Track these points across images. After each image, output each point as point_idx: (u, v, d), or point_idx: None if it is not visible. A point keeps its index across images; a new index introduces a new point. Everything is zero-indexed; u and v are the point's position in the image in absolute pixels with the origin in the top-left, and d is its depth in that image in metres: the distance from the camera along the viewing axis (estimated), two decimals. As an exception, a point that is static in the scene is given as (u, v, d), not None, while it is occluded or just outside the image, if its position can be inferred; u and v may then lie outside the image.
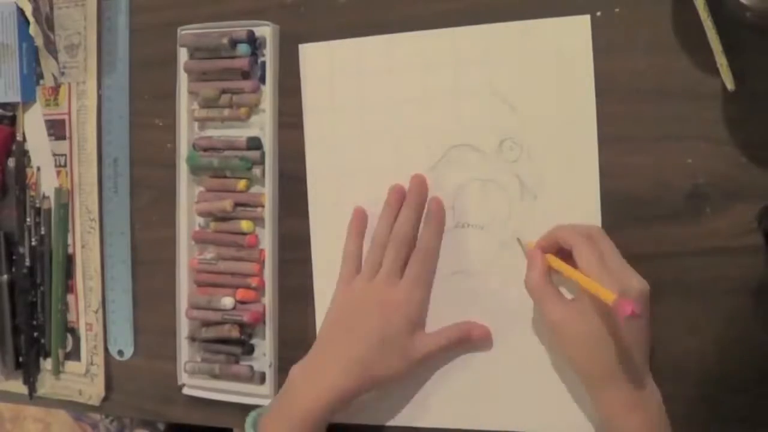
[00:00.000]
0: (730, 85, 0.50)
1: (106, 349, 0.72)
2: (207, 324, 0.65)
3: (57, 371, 0.73)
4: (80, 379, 0.73)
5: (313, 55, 0.63)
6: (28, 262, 0.72)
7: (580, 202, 0.56)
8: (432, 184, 0.60)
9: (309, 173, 0.64)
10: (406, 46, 0.60)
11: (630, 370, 0.51)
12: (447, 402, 0.60)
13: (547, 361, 0.58)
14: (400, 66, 0.61)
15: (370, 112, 0.62)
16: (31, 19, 0.70)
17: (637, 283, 0.50)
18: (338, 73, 0.63)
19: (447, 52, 0.59)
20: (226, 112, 0.64)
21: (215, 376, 0.65)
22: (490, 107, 0.58)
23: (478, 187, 0.59)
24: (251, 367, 0.64)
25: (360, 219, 0.62)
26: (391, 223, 0.60)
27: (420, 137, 0.60)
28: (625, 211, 0.55)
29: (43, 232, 0.72)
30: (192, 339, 0.66)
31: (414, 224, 0.60)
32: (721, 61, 0.50)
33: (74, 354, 0.73)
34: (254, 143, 0.64)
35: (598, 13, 0.55)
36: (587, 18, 0.55)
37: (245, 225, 0.64)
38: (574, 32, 0.56)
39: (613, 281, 0.49)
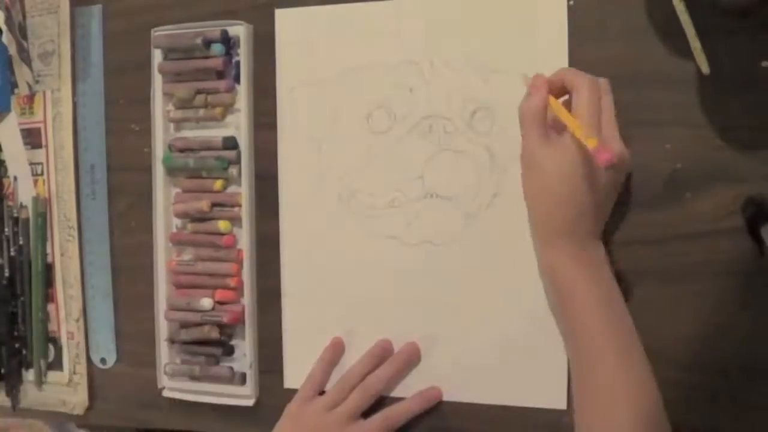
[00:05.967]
0: (704, 69, 0.50)
1: (88, 358, 0.71)
2: (186, 326, 0.65)
3: (40, 382, 0.72)
4: (63, 389, 0.72)
5: (289, 21, 0.63)
6: (7, 273, 0.71)
7: None
8: (403, 155, 0.60)
9: (280, 150, 0.63)
10: (381, 14, 0.60)
11: (584, 230, 0.51)
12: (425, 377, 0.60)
13: (509, 333, 0.58)
14: (374, 34, 0.60)
15: (342, 82, 0.61)
16: (3, 27, 0.70)
17: (619, 147, 0.50)
18: (314, 40, 0.62)
19: (420, 21, 0.59)
20: (202, 112, 0.64)
21: (195, 378, 0.64)
22: (463, 77, 0.58)
23: (448, 158, 0.59)
24: (231, 368, 0.63)
25: (335, 349, 0.62)
26: (367, 371, 0.60)
27: (391, 107, 0.60)
28: (604, 199, 0.55)
29: (21, 242, 0.71)
30: (171, 341, 0.66)
31: (388, 383, 0.60)
32: (695, 44, 0.50)
33: (56, 364, 0.72)
34: (230, 143, 0.63)
35: (571, 2, 0.55)
36: None
37: (223, 225, 0.64)
38: (550, 7, 0.56)
39: (598, 134, 0.49)
